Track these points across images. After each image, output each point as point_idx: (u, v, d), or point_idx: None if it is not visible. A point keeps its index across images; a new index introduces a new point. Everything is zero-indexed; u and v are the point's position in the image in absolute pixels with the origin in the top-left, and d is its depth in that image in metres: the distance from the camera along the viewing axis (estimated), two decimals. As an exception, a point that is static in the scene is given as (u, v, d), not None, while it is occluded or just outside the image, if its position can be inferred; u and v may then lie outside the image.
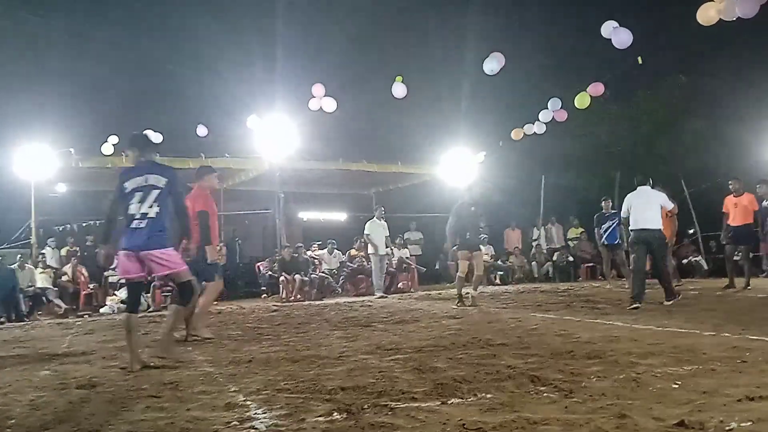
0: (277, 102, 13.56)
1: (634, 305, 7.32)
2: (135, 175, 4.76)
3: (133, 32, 19.29)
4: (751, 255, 10.47)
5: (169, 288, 11.28)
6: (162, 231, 4.65)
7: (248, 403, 3.29)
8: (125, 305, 8.86)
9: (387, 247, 12.77)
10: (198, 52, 18.72)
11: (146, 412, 3.21)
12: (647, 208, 7.79)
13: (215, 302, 8.42)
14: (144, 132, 5.35)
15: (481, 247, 10.55)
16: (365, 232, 12.52)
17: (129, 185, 4.70)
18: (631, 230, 7.96)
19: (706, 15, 9.04)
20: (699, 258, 14.55)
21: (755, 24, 11.17)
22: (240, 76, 17.62)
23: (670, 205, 8.12)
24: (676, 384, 3.25)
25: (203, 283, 6.21)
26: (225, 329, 7.22)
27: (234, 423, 2.92)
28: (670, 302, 7.49)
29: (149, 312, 10.51)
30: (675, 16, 12.25)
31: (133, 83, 18.95)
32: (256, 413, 3.07)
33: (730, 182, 9.99)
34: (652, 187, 8.09)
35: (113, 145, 13.82)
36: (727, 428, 2.48)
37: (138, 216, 4.61)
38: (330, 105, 13.98)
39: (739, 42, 15.49)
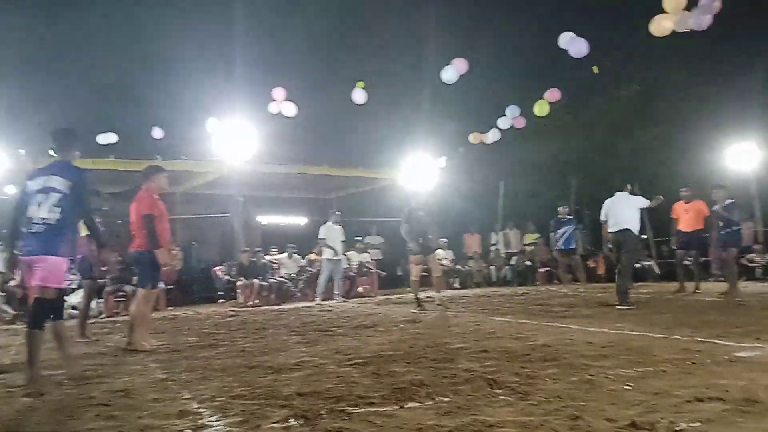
0: (236, 105, 13.39)
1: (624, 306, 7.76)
2: (40, 175, 4.45)
3: (86, 31, 18.80)
4: (700, 260, 10.82)
5: (123, 294, 11.01)
6: (59, 238, 4.30)
7: (202, 410, 3.23)
8: (76, 310, 8.61)
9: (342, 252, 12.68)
10: (154, 52, 18.37)
11: (96, 421, 3.11)
12: (624, 211, 8.23)
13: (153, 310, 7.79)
14: (67, 128, 4.86)
15: (440, 251, 10.64)
16: (320, 236, 12.34)
17: (33, 186, 4.39)
18: (610, 232, 8.38)
19: (660, 26, 9.30)
20: (651, 262, 14.95)
21: (707, 36, 11.58)
22: (198, 78, 17.35)
23: (646, 203, 8.51)
24: (628, 385, 3.32)
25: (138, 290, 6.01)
26: (180, 335, 7.08)
27: (187, 431, 2.86)
28: (623, 308, 7.65)
29: (101, 318, 10.23)
30: (630, 26, 12.59)
31: (86, 83, 18.49)
32: (209, 421, 3.01)
33: (682, 190, 10.27)
34: (631, 193, 8.64)
35: None
36: (677, 429, 2.53)
37: (37, 220, 4.29)
38: (290, 109, 13.89)
39: (691, 53, 16.01)
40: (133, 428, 2.94)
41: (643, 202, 8.45)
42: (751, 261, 12.83)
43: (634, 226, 8.21)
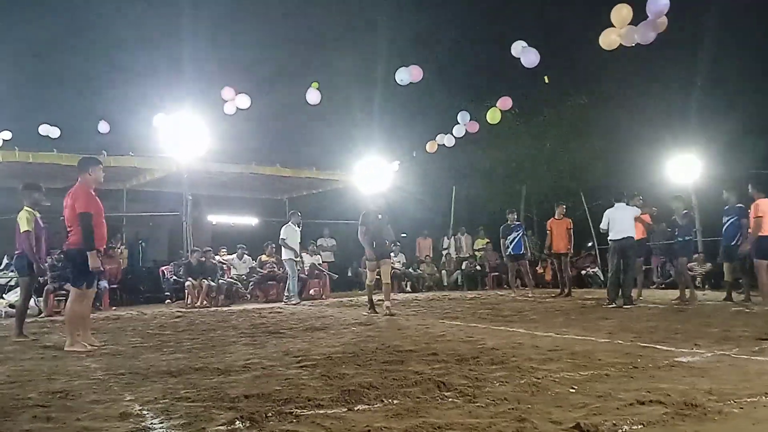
0: (187, 101, 13.11)
1: (611, 305, 8.86)
2: None
3: (31, 21, 18.11)
4: (643, 268, 11.16)
5: (63, 292, 10.63)
6: None
7: (144, 412, 3.13)
8: (13, 308, 8.24)
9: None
10: (100, 44, 17.84)
11: (32, 422, 2.99)
12: (625, 220, 9.11)
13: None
14: None
15: (392, 255, 10.58)
16: (281, 236, 12.16)
17: None
18: (610, 240, 9.27)
19: (608, 39, 9.55)
20: (596, 269, 15.34)
21: (651, 52, 11.97)
22: (147, 72, 16.95)
23: (638, 212, 9.46)
24: (573, 388, 3.38)
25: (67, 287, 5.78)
26: (123, 336, 6.87)
27: (128, 434, 2.77)
28: (628, 307, 8.63)
29: (40, 317, 9.84)
30: (581, 39, 12.91)
31: (28, 73, 17.80)
32: (152, 423, 2.92)
33: (638, 199, 10.43)
34: (627, 204, 9.40)
35: (4, 139, 12.89)
36: (620, 431, 2.59)
37: None
38: (244, 102, 13.69)
39: (636, 68, 16.56)
40: (71, 430, 2.84)
41: (637, 212, 9.34)
42: (691, 270, 13.28)
43: (633, 234, 9.13)
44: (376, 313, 8.77)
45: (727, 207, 9.38)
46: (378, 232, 9.05)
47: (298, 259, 12.22)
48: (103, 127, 14.39)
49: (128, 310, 10.84)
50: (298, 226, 12.32)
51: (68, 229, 5.77)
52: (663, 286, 13.16)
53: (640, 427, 2.64)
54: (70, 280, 5.92)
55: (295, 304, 11.50)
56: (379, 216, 9.16)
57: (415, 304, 10.79)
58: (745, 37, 16.36)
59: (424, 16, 20.74)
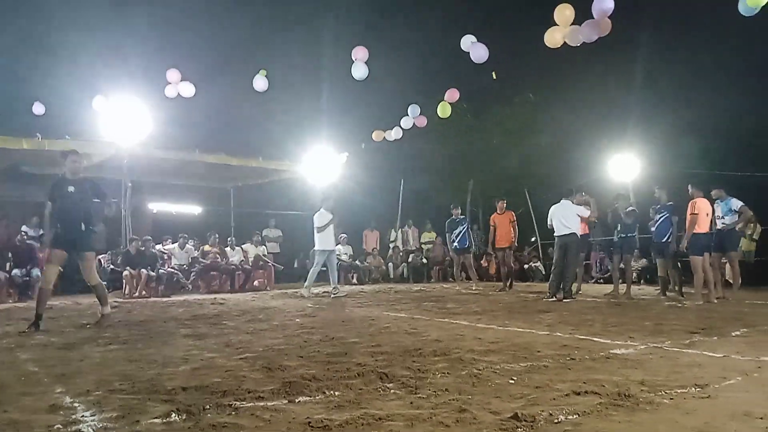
0: (129, 84, 12.64)
1: (551, 299, 8.98)
2: None
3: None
4: (583, 262, 11.48)
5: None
6: None
7: (76, 404, 3.01)
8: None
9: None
10: (32, 21, 17.00)
11: (-47, 417, 2.82)
12: (570, 217, 9.25)
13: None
14: None
15: (340, 246, 10.21)
16: (317, 224, 10.91)
17: None
18: (555, 236, 9.39)
19: (553, 38, 9.74)
20: (538, 263, 15.70)
21: (594, 53, 12.27)
22: (86, 53, 16.23)
23: (586, 214, 9.57)
24: (513, 380, 3.44)
25: None
26: (56, 326, 6.61)
27: (57, 426, 2.65)
28: (567, 300, 8.81)
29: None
30: (528, 37, 13.10)
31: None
32: (84, 415, 2.81)
33: (580, 195, 10.67)
34: (572, 201, 9.54)
35: None
36: (556, 421, 2.64)
37: None
38: (188, 90, 13.29)
39: (580, 68, 16.96)
40: (-4, 424, 2.70)
41: (581, 212, 9.47)
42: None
43: (577, 230, 9.31)
44: (33, 331, 6.05)
45: (659, 205, 9.72)
46: (68, 211, 6.33)
47: (332, 248, 11.03)
48: (38, 108, 13.74)
49: (62, 300, 10.44)
50: (328, 212, 11.07)
51: None
52: (602, 280, 13.59)
53: (575, 416, 2.70)
54: None
55: (342, 295, 10.67)
56: (71, 188, 6.34)
57: (360, 296, 10.79)
58: (680, 42, 16.97)
59: (375, 6, 20.66)
